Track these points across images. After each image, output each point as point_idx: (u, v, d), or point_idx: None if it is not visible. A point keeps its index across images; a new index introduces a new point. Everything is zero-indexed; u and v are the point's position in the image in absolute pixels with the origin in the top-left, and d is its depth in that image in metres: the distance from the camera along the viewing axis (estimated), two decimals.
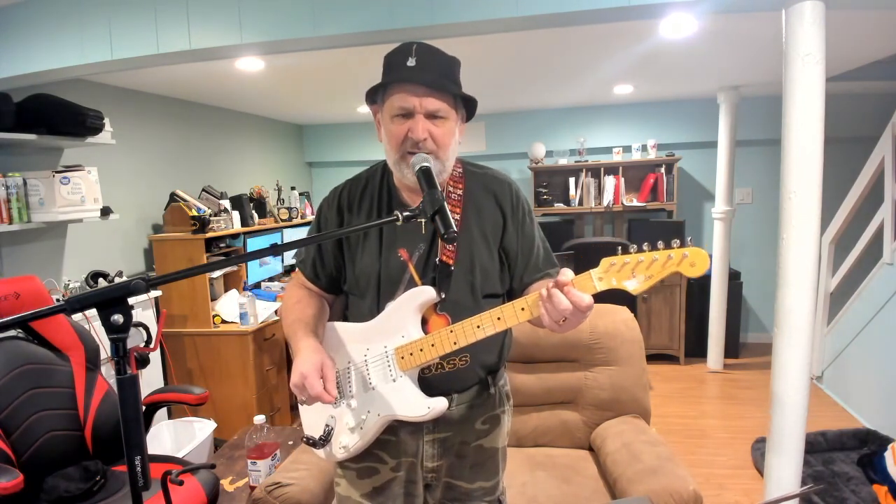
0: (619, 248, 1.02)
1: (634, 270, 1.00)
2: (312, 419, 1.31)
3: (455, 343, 1.13)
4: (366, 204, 1.27)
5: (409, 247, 1.22)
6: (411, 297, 1.19)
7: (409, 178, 1.17)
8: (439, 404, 1.17)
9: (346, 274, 1.30)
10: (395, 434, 1.26)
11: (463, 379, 1.26)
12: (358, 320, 1.27)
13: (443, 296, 1.19)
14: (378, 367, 1.21)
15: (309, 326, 1.24)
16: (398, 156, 1.16)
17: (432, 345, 1.15)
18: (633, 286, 1.01)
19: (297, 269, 1.39)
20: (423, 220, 1.09)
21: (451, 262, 1.20)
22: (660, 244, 0.99)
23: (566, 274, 1.01)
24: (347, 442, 1.24)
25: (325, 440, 1.25)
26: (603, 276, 1.02)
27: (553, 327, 1.04)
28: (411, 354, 1.17)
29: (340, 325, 1.29)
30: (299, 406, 1.33)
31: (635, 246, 1.01)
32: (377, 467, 1.29)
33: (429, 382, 1.21)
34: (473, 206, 1.25)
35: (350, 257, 1.27)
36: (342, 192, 1.31)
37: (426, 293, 1.18)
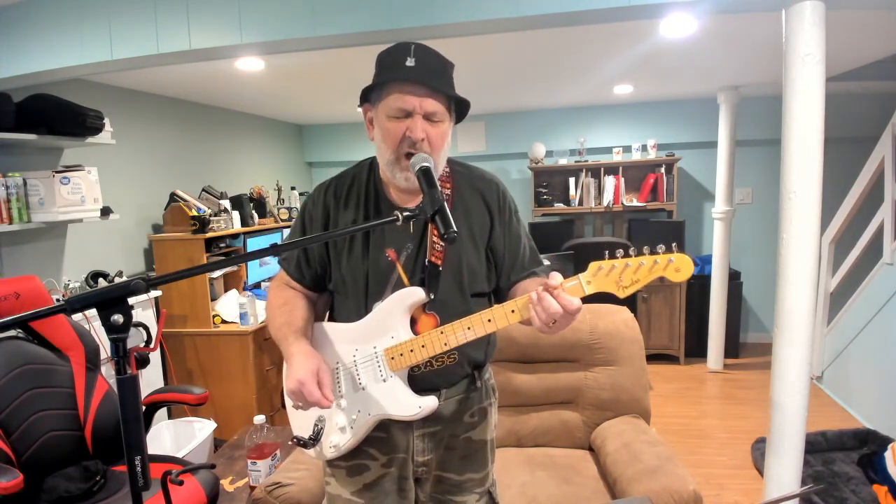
0: (606, 252, 1.06)
1: (622, 275, 1.04)
2: (301, 419, 1.30)
3: (445, 344, 1.14)
4: (352, 202, 1.26)
5: (396, 247, 1.22)
6: (401, 297, 1.19)
7: (400, 181, 1.17)
8: (430, 403, 1.18)
9: (331, 273, 1.29)
10: (385, 430, 1.26)
11: (451, 375, 1.27)
12: (344, 319, 1.27)
13: (432, 296, 1.19)
14: (368, 367, 1.21)
15: (299, 329, 1.23)
16: (393, 156, 1.15)
17: (423, 346, 1.16)
18: (620, 290, 1.06)
19: (280, 268, 1.36)
20: (411, 221, 1.09)
21: (439, 262, 1.20)
22: (645, 250, 1.03)
23: (556, 278, 1.04)
24: (338, 441, 1.25)
25: (314, 440, 1.25)
26: (591, 279, 1.06)
27: (543, 329, 1.06)
28: (401, 355, 1.17)
29: (328, 326, 1.29)
30: (287, 406, 1.32)
31: (621, 251, 1.04)
32: (368, 464, 1.29)
33: (418, 379, 1.22)
34: (462, 205, 1.24)
35: (336, 257, 1.26)
36: (328, 189, 1.29)
37: (416, 294, 1.18)
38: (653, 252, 1.04)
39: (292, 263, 1.31)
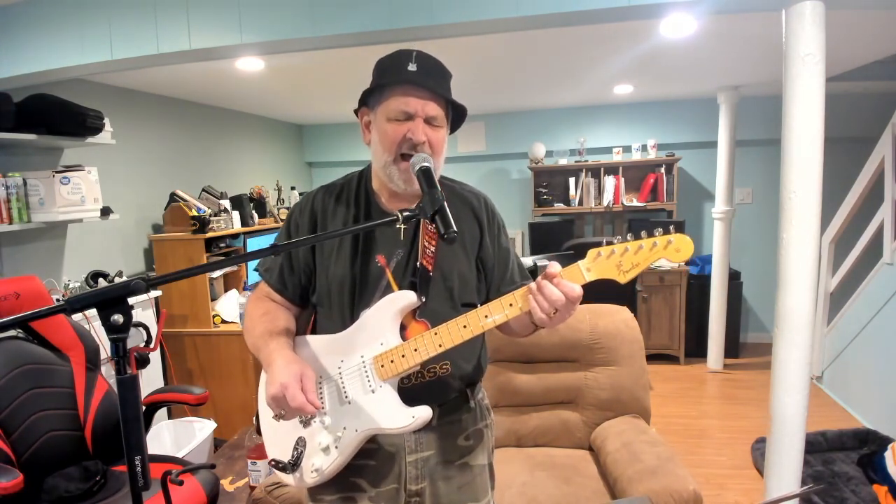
0: (605, 240, 1.03)
1: (622, 259, 1.02)
2: (279, 441, 1.19)
3: (440, 345, 1.08)
4: (341, 210, 1.23)
5: (386, 253, 1.18)
6: (390, 301, 1.13)
7: (398, 183, 1.15)
8: (423, 412, 1.09)
9: (315, 283, 1.23)
10: (373, 457, 1.19)
11: (444, 389, 1.21)
12: (328, 333, 1.20)
13: (423, 300, 1.15)
14: (354, 378, 1.13)
15: (281, 336, 1.17)
16: (391, 157, 1.13)
17: (415, 349, 1.09)
18: (621, 275, 1.03)
19: (261, 280, 1.29)
20: (402, 226, 1.07)
21: (430, 266, 1.17)
22: (643, 233, 1.02)
23: (554, 266, 1.02)
24: (321, 464, 1.14)
25: (294, 465, 1.14)
26: (591, 266, 1.03)
27: (543, 321, 1.03)
28: (392, 362, 1.10)
29: (311, 338, 1.21)
30: (261, 426, 1.24)
31: (619, 237, 1.03)
32: (355, 497, 1.19)
33: (408, 393, 1.14)
34: (452, 214, 1.23)
35: (323, 263, 1.21)
36: (316, 196, 1.25)
37: (406, 297, 1.13)
38: (650, 235, 1.02)
39: (274, 273, 1.25)
